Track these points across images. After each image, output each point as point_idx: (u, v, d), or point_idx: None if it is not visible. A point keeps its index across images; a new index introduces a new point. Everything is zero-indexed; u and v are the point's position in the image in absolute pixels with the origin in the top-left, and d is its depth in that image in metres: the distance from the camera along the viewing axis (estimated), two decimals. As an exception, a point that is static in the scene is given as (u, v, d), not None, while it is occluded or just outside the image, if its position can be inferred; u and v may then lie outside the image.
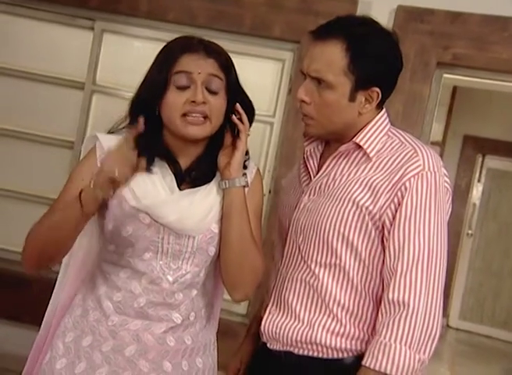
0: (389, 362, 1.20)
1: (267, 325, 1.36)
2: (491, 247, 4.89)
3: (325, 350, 1.30)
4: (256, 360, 1.46)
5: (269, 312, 1.37)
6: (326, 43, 1.27)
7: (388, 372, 1.21)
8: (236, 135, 1.33)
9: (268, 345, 1.37)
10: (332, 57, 1.26)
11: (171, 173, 1.32)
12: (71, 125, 2.70)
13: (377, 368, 1.21)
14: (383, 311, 1.24)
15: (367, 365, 1.23)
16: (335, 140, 1.35)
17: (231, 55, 1.35)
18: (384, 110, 1.35)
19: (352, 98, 1.28)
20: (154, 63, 1.33)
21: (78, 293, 1.39)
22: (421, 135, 2.33)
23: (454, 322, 4.83)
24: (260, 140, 2.53)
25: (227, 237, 1.32)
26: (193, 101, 1.26)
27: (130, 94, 2.81)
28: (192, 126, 1.28)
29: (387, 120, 1.34)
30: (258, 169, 1.44)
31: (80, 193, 1.22)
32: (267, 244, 1.40)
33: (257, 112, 1.38)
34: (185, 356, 1.35)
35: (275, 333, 1.34)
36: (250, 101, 1.36)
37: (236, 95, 1.34)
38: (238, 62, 1.37)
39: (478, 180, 5.03)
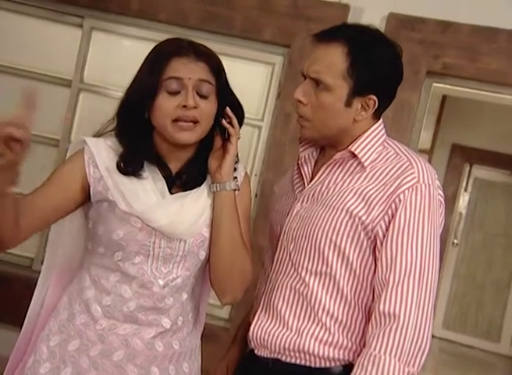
0: (378, 374, 1.19)
1: (255, 331, 1.34)
2: (476, 257, 4.91)
3: (312, 359, 1.29)
4: (243, 366, 1.45)
5: (258, 319, 1.36)
6: (329, 46, 1.27)
7: None
8: (226, 138, 1.32)
9: (255, 352, 1.35)
10: (333, 59, 1.26)
11: (161, 177, 1.31)
12: (57, 123, 2.67)
13: None
14: (373, 322, 1.23)
15: None
16: (329, 146, 1.35)
17: (221, 57, 1.34)
18: (381, 121, 1.35)
19: (348, 103, 1.27)
20: (143, 66, 1.31)
21: (63, 296, 1.36)
22: (410, 143, 2.33)
23: (438, 331, 4.85)
24: (248, 143, 2.52)
25: (217, 240, 1.31)
26: (185, 106, 1.25)
27: (118, 93, 2.78)
28: (183, 132, 1.26)
29: (383, 131, 1.34)
30: (247, 173, 1.44)
31: None
32: (254, 249, 1.39)
33: (245, 115, 1.37)
34: (172, 361, 1.34)
35: (263, 339, 1.33)
36: (239, 104, 1.36)
37: (226, 98, 1.33)
38: (228, 64, 1.36)
39: (465, 190, 5.05)
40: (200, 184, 1.33)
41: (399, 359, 1.19)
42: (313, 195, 1.32)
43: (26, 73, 2.70)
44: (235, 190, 1.32)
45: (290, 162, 2.45)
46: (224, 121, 1.31)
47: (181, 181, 1.32)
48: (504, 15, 2.30)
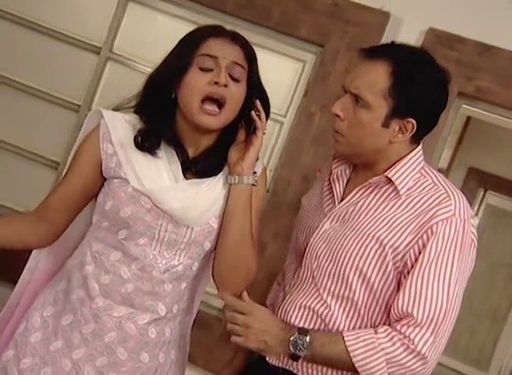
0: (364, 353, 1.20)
1: None
2: (476, 284, 4.86)
3: None
4: (251, 372, 1.44)
5: None
6: (374, 62, 1.25)
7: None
8: (251, 131, 1.30)
9: (267, 359, 1.34)
10: (376, 77, 1.24)
11: (177, 160, 1.29)
12: (80, 88, 2.66)
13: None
14: (391, 327, 1.22)
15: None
16: (363, 166, 1.32)
17: (253, 46, 1.33)
18: (420, 147, 1.32)
19: (386, 124, 1.25)
20: (177, 45, 1.30)
21: (63, 267, 1.35)
22: (430, 160, 2.30)
23: (426, 351, 4.82)
24: (267, 138, 2.49)
25: (227, 232, 1.29)
26: (216, 83, 1.23)
27: (145, 68, 2.78)
28: (207, 116, 1.25)
29: (422, 158, 1.31)
30: (265, 169, 1.42)
31: None
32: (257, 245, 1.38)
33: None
34: (162, 349, 1.34)
35: None
36: (267, 98, 1.34)
37: (256, 89, 1.31)
38: (259, 55, 1.35)
39: (476, 215, 5.01)
40: (215, 174, 1.31)
41: (389, 368, 1.20)
42: (343, 216, 1.30)
43: (58, 34, 2.69)
44: (252, 185, 1.30)
45: (307, 161, 2.43)
46: (253, 113, 1.29)
47: (196, 168, 1.30)
48: (545, 46, 2.26)
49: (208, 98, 1.24)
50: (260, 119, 1.29)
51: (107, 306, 1.28)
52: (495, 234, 5.14)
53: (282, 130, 2.50)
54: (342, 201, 1.33)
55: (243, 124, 1.31)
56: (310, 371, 1.29)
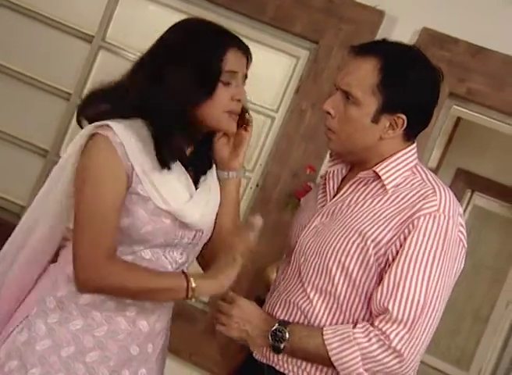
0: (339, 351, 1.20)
1: None
2: (459, 285, 4.89)
3: (304, 374, 1.29)
4: (243, 368, 1.44)
5: None
6: (363, 59, 1.26)
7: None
8: (241, 127, 1.33)
9: (253, 355, 1.36)
10: (365, 73, 1.24)
11: (183, 168, 1.28)
12: (71, 76, 2.64)
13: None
14: (370, 323, 1.22)
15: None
16: (357, 164, 1.32)
17: (246, 41, 1.33)
18: (414, 145, 1.32)
19: (375, 120, 1.25)
20: (192, 47, 1.23)
21: (59, 273, 1.28)
22: (420, 160, 2.29)
23: (408, 348, 4.86)
24: (257, 132, 2.49)
25: (223, 225, 1.33)
26: (239, 100, 1.26)
27: (137, 57, 2.75)
28: (234, 123, 1.28)
29: (415, 156, 1.31)
30: None
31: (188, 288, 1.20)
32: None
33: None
34: (153, 339, 1.35)
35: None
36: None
37: None
38: (252, 50, 1.34)
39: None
40: (209, 168, 1.34)
41: (365, 364, 1.19)
42: (333, 212, 1.31)
43: (50, 21, 2.66)
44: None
45: (297, 158, 2.43)
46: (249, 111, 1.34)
47: (194, 167, 1.32)
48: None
49: (231, 112, 1.27)
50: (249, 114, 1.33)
51: (118, 306, 1.26)
52: (480, 236, 5.18)
53: (273, 125, 2.49)
54: (334, 197, 1.33)
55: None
56: (290, 367, 1.29)
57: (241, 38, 1.31)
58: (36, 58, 2.69)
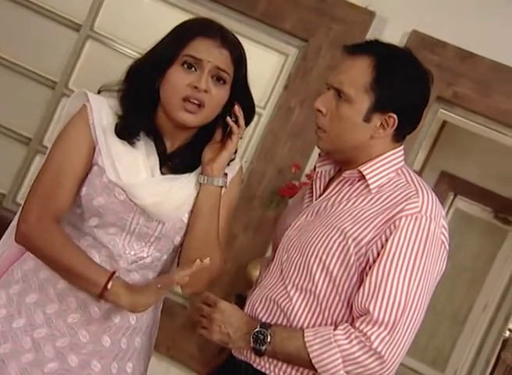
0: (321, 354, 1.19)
1: None
2: (439, 287, 4.94)
3: (280, 373, 1.28)
4: (223, 366, 1.43)
5: None
6: (357, 58, 1.25)
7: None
8: (227, 134, 1.29)
9: (232, 352, 1.35)
10: (358, 71, 1.24)
11: (156, 153, 1.27)
12: (58, 65, 2.60)
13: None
14: (351, 325, 1.21)
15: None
16: (345, 163, 1.31)
17: (237, 36, 1.31)
18: (402, 147, 1.31)
19: (367, 118, 1.24)
20: (166, 37, 1.28)
21: None
22: (405, 162, 2.32)
23: (386, 348, 4.89)
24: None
25: (192, 233, 1.29)
26: (196, 87, 1.22)
27: (125, 49, 2.73)
28: (187, 113, 1.24)
29: (401, 158, 1.30)
30: (241, 167, 1.41)
31: (110, 278, 1.20)
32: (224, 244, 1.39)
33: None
34: (126, 334, 1.32)
35: None
36: (252, 103, 1.33)
37: (240, 93, 1.30)
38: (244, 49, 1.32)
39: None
40: (190, 171, 1.30)
41: (345, 367, 1.18)
42: (317, 211, 1.30)
43: (38, 8, 2.62)
44: (221, 187, 1.30)
45: (283, 155, 2.43)
46: (229, 119, 1.28)
47: (172, 163, 1.29)
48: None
49: (187, 100, 1.23)
50: (238, 124, 1.28)
51: (72, 287, 1.26)
52: (461, 239, 5.22)
53: (260, 122, 2.49)
54: (320, 197, 1.33)
55: (222, 125, 1.29)
56: (267, 365, 1.29)
57: (224, 31, 1.28)
58: (22, 45, 2.65)
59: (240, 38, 1.32)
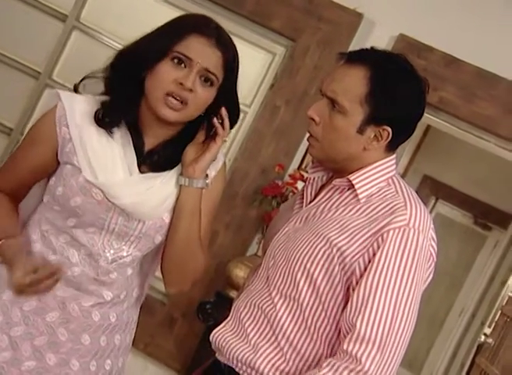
0: None
1: (216, 335, 1.31)
2: (418, 290, 4.99)
3: None
4: (209, 368, 1.40)
5: (224, 325, 1.32)
6: (351, 67, 1.22)
7: None
8: (211, 136, 1.27)
9: (216, 355, 1.32)
10: (353, 82, 1.21)
11: (133, 149, 1.25)
12: (42, 55, 2.57)
13: None
14: (336, 355, 1.17)
15: None
16: (337, 172, 1.29)
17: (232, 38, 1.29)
18: (394, 156, 1.28)
19: (361, 131, 1.22)
20: (161, 28, 1.26)
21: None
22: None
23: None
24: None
25: (173, 234, 1.27)
26: (181, 84, 1.20)
27: (111, 41, 2.69)
28: (168, 109, 1.22)
29: (393, 167, 1.28)
30: (225, 163, 1.38)
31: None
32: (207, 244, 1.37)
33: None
34: (105, 332, 1.31)
35: (222, 346, 1.29)
36: (238, 108, 1.31)
37: (227, 96, 1.27)
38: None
39: (425, 222, 5.11)
40: (169, 169, 1.28)
41: None
42: (306, 218, 1.28)
43: (23, -3, 2.60)
44: (203, 188, 1.28)
45: (267, 155, 2.42)
46: (215, 120, 1.26)
47: (152, 160, 1.27)
48: (510, 65, 2.30)
49: (171, 95, 1.21)
50: (223, 126, 1.26)
51: None
52: (442, 244, 5.23)
53: (244, 120, 2.48)
54: (310, 203, 1.32)
55: (205, 126, 1.27)
56: (249, 370, 1.27)
57: (221, 32, 1.25)
58: (6, 34, 2.61)
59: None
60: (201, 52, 1.22)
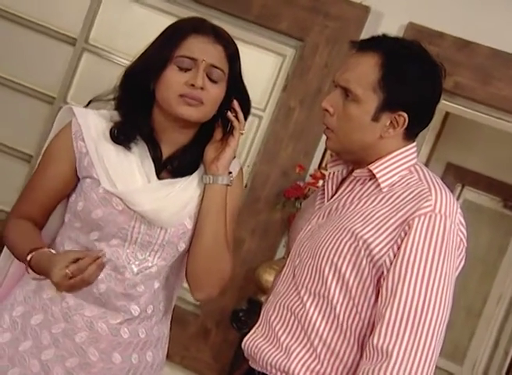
0: None
1: (248, 342, 1.29)
2: (453, 279, 4.92)
3: None
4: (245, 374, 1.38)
5: (254, 331, 1.30)
6: (363, 55, 1.21)
7: None
8: (228, 131, 1.28)
9: (250, 363, 1.31)
10: (365, 69, 1.20)
11: (150, 158, 1.26)
12: (55, 80, 2.61)
13: None
14: (366, 356, 1.15)
15: None
16: (356, 163, 1.27)
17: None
18: (414, 144, 1.26)
19: (375, 118, 1.20)
20: (158, 38, 1.27)
21: None
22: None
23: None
24: (245, 132, 2.47)
25: (200, 233, 1.26)
26: (192, 85, 1.21)
27: (121, 59, 2.72)
28: (188, 107, 1.22)
29: (414, 156, 1.25)
30: (241, 169, 1.38)
31: (31, 253, 1.20)
32: (233, 241, 1.36)
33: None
34: (136, 349, 1.30)
35: (254, 353, 1.28)
36: (248, 98, 1.31)
37: (236, 89, 1.28)
38: (239, 49, 1.31)
39: (453, 210, 5.04)
40: (190, 173, 1.28)
41: None
42: (329, 213, 1.26)
43: (33, 24, 2.63)
44: (227, 185, 1.28)
45: (286, 157, 2.41)
46: (229, 113, 1.27)
47: (172, 167, 1.27)
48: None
49: (185, 96, 1.22)
50: (238, 119, 1.27)
51: (78, 306, 1.24)
52: (471, 230, 5.16)
53: (260, 124, 2.47)
54: (331, 198, 1.30)
55: (221, 123, 1.28)
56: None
57: (217, 28, 1.27)
58: (19, 62, 2.65)
59: (236, 42, 1.31)
60: (203, 50, 1.23)
